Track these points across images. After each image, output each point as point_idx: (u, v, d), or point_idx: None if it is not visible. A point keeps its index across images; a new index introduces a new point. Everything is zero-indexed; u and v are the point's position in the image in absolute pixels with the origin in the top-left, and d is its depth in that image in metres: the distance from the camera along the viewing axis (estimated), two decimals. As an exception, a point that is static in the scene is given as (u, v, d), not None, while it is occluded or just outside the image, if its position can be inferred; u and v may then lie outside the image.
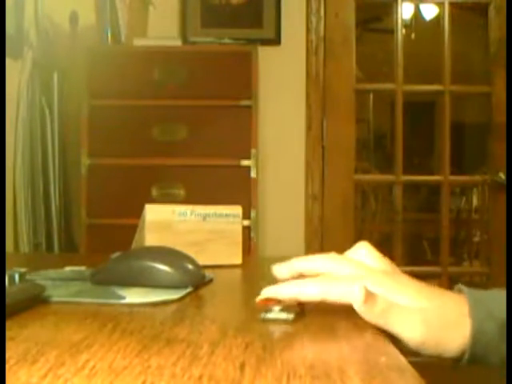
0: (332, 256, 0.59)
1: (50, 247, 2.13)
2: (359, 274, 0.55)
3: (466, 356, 0.52)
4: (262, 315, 0.51)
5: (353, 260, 0.59)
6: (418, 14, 4.09)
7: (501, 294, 0.54)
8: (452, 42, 2.51)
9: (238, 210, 0.97)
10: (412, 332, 0.50)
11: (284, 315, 0.50)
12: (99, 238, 1.97)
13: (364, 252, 0.59)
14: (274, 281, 0.58)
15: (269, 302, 0.52)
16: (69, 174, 2.23)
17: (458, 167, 2.69)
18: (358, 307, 0.49)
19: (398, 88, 2.51)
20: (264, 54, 2.23)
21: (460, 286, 0.55)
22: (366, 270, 0.56)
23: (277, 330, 0.48)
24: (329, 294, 0.51)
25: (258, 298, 0.53)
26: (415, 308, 0.52)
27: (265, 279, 0.63)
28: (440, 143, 2.61)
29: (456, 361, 0.53)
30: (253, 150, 2.01)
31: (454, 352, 0.52)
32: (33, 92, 2.11)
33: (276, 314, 0.51)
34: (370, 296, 0.50)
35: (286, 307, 0.51)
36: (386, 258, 0.59)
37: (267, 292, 0.53)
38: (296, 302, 0.52)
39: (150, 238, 0.88)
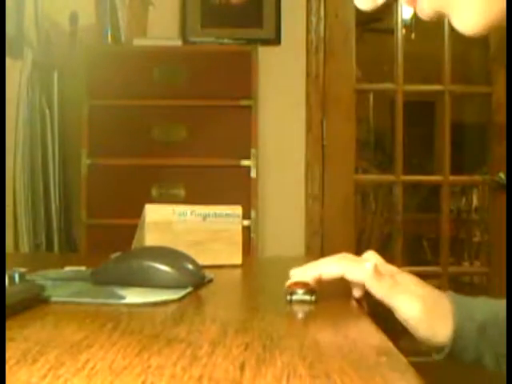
0: (344, 254, 0.64)
1: (50, 247, 2.13)
2: (372, 261, 0.62)
3: (446, 349, 0.57)
4: (288, 297, 0.58)
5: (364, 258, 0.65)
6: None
7: (486, 302, 0.60)
8: (452, 42, 2.51)
9: (238, 210, 0.97)
10: (411, 309, 0.56)
11: (308, 297, 0.58)
12: (99, 238, 1.97)
13: (371, 256, 0.65)
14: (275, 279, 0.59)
15: (296, 286, 0.59)
16: (69, 174, 2.22)
17: (458, 167, 2.68)
18: (368, 281, 0.56)
19: (398, 88, 2.51)
20: (264, 53, 2.23)
21: (449, 291, 0.61)
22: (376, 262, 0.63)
23: (275, 331, 0.48)
24: (346, 272, 0.59)
25: (289, 282, 0.60)
26: (413, 290, 0.58)
27: (268, 278, 0.64)
28: (440, 143, 2.61)
29: (437, 353, 0.58)
30: (253, 150, 2.01)
31: (440, 338, 0.57)
32: (33, 92, 2.11)
33: (300, 296, 0.58)
34: (378, 273, 0.57)
35: (308, 290, 0.59)
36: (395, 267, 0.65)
37: (295, 274, 0.61)
38: (318, 282, 0.60)
39: (150, 238, 0.88)
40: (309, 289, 0.59)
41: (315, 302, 0.58)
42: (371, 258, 0.64)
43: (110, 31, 2.12)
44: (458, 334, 0.56)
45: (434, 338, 0.57)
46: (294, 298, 0.58)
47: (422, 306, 0.56)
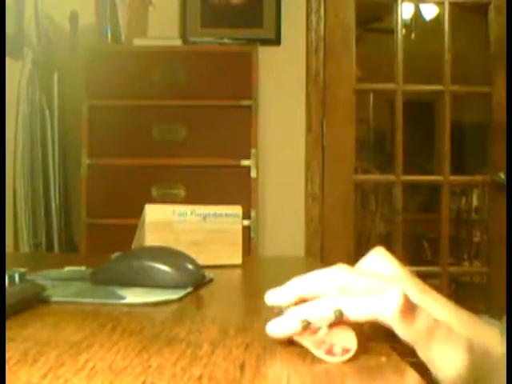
0: (341, 268, 0.44)
1: (49, 247, 2.13)
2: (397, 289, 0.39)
3: None
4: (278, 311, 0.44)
5: (366, 271, 0.46)
6: (418, 14, 4.09)
7: None
8: (452, 42, 2.51)
9: (238, 210, 0.97)
10: (454, 369, 0.39)
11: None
12: (99, 238, 1.97)
13: (378, 259, 0.47)
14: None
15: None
16: (69, 173, 2.23)
17: (457, 167, 2.68)
18: (393, 318, 0.37)
19: (398, 88, 2.51)
20: (264, 54, 2.23)
21: (490, 319, 0.46)
22: (387, 279, 0.44)
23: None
24: (368, 314, 0.39)
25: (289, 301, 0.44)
26: (461, 334, 0.41)
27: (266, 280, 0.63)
28: (440, 143, 2.61)
29: None
30: (253, 150, 2.01)
31: None
32: (33, 92, 2.11)
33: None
34: (409, 305, 0.37)
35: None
36: (406, 269, 0.47)
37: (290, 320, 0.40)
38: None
39: (150, 238, 0.88)
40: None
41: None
42: (377, 255, 0.47)
43: (109, 31, 2.12)
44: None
45: None
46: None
47: (471, 361, 0.40)
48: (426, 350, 0.39)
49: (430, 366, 0.40)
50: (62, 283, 0.68)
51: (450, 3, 2.52)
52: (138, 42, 2.11)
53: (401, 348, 0.42)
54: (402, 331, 0.38)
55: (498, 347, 0.42)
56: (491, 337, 0.42)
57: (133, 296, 0.60)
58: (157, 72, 2.03)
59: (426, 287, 0.44)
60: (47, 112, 2.15)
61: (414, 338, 0.39)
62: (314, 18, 2.45)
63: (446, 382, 0.40)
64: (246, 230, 1.93)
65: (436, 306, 0.42)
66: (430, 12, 3.91)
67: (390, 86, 2.57)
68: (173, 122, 2.03)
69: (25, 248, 2.04)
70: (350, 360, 0.38)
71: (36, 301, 0.55)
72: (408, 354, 0.42)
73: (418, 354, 0.39)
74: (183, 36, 2.37)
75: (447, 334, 0.39)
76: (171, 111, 2.04)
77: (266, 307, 0.46)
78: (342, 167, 2.47)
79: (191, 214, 0.93)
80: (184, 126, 2.02)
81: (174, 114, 2.04)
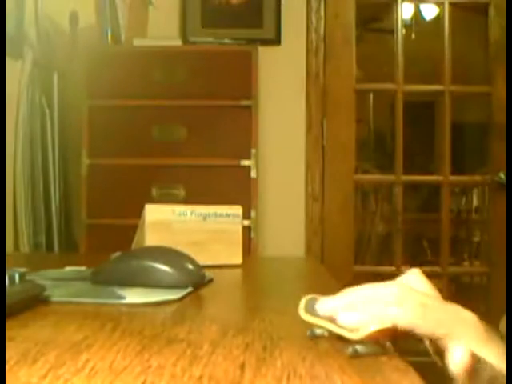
0: (396, 286, 0.47)
1: (50, 247, 2.13)
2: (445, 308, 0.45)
3: None
4: (309, 332, 0.45)
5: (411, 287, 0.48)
6: (418, 13, 4.09)
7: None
8: (452, 42, 2.51)
9: (238, 210, 0.97)
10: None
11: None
12: (99, 238, 1.96)
13: (415, 279, 0.49)
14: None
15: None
16: (69, 173, 2.22)
17: (458, 167, 2.68)
18: (458, 377, 0.40)
19: (398, 88, 2.51)
20: (264, 54, 2.23)
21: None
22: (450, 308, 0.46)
23: (275, 331, 0.48)
24: (419, 327, 0.42)
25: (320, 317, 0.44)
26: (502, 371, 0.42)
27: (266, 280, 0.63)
28: (440, 143, 2.61)
29: None
30: (253, 150, 2.01)
31: None
32: (33, 92, 2.11)
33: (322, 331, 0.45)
34: (474, 364, 0.40)
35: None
36: (434, 286, 0.50)
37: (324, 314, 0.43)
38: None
39: (150, 238, 0.88)
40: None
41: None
42: (413, 280, 0.49)
43: (110, 31, 2.12)
44: None
45: None
46: (318, 332, 0.44)
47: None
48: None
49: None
50: (62, 283, 0.68)
51: (450, 3, 2.52)
52: (138, 42, 2.11)
53: (401, 348, 0.43)
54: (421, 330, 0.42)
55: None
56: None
57: (133, 296, 0.60)
58: (157, 72, 2.03)
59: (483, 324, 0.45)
60: (47, 112, 2.15)
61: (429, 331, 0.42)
62: (313, 18, 2.45)
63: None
64: (246, 230, 1.93)
65: (482, 340, 0.43)
66: (430, 12, 3.91)
67: (390, 86, 2.57)
68: (173, 122, 2.03)
69: (25, 248, 2.04)
70: (351, 359, 0.38)
71: (36, 301, 0.55)
72: (408, 353, 0.42)
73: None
74: (183, 36, 2.37)
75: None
76: (171, 111, 2.04)
77: (267, 307, 0.46)
78: (342, 167, 2.47)
79: (191, 214, 0.93)
80: (184, 125, 2.02)
81: (174, 114, 2.04)
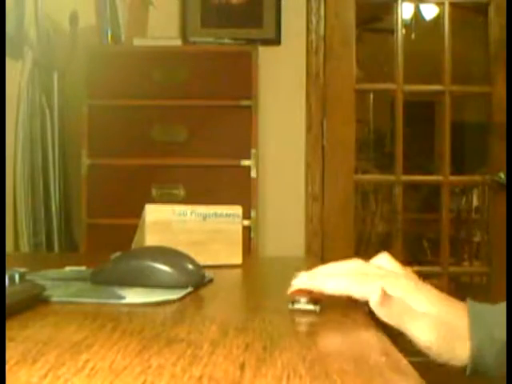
0: (356, 261, 0.60)
1: (50, 247, 2.13)
2: (381, 274, 0.58)
3: (468, 372, 0.55)
4: (290, 306, 0.55)
5: (376, 265, 0.61)
6: (418, 13, 4.09)
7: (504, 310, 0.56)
8: (452, 42, 2.51)
9: (238, 210, 0.97)
10: (427, 337, 0.53)
11: (311, 306, 0.55)
12: (99, 238, 1.97)
13: (385, 260, 0.61)
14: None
15: (299, 293, 0.55)
16: (69, 174, 2.23)
17: (458, 167, 2.68)
18: (374, 307, 0.53)
19: (398, 88, 2.51)
20: (264, 54, 2.23)
21: (469, 300, 0.57)
22: (388, 271, 0.59)
23: (275, 331, 0.48)
24: (351, 290, 0.55)
25: (290, 290, 0.56)
26: (427, 313, 0.54)
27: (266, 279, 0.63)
28: (440, 143, 2.61)
29: (462, 369, 0.55)
30: (253, 150, 2.01)
31: (459, 361, 0.55)
32: (33, 92, 2.11)
33: (303, 305, 0.55)
34: (386, 298, 0.53)
35: (312, 299, 0.55)
36: (407, 267, 0.61)
37: (298, 282, 0.56)
38: (321, 294, 0.55)
39: (150, 238, 0.88)
40: (313, 297, 0.55)
41: (318, 313, 0.54)
42: (384, 257, 0.61)
43: (110, 31, 2.12)
44: (477, 354, 0.54)
45: (453, 361, 0.55)
46: (296, 306, 0.55)
47: (437, 333, 0.53)
48: (400, 327, 0.53)
49: (410, 338, 0.54)
50: (62, 283, 0.68)
51: (450, 3, 2.52)
52: (138, 42, 2.11)
53: (401, 347, 0.43)
54: (383, 315, 0.53)
55: (462, 321, 0.55)
56: (458, 314, 0.55)
57: (133, 296, 0.60)
58: (157, 72, 2.03)
59: (419, 281, 0.58)
60: (47, 112, 2.15)
61: (388, 319, 0.53)
62: (314, 18, 2.45)
63: (422, 348, 0.53)
64: (246, 230, 1.93)
65: (414, 293, 0.56)
66: (430, 12, 3.91)
67: (390, 85, 2.57)
68: (173, 122, 2.03)
69: (25, 248, 2.04)
70: (351, 359, 0.38)
71: (36, 301, 0.55)
72: (408, 353, 0.42)
73: (398, 329, 0.53)
74: (183, 36, 2.37)
75: (413, 314, 0.54)
76: (171, 111, 2.04)
77: (267, 307, 0.46)
78: (342, 167, 2.47)
79: (191, 213, 0.93)
80: (184, 126, 2.02)
81: (174, 114, 2.04)
